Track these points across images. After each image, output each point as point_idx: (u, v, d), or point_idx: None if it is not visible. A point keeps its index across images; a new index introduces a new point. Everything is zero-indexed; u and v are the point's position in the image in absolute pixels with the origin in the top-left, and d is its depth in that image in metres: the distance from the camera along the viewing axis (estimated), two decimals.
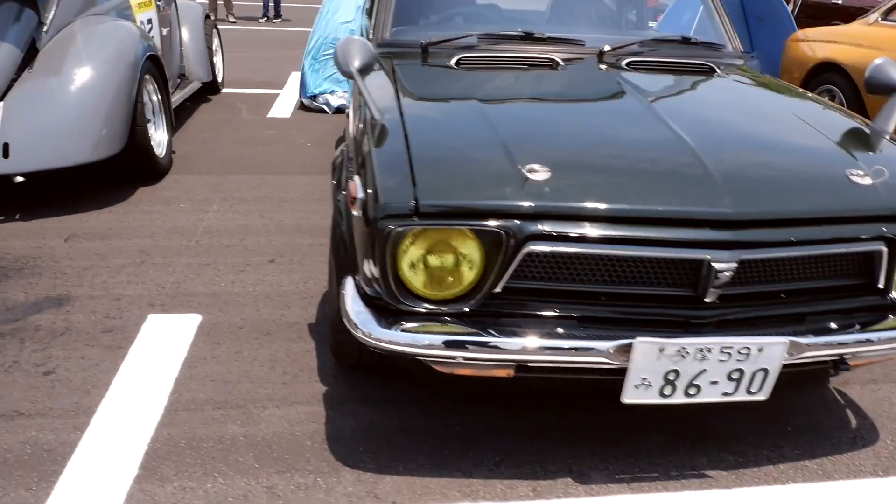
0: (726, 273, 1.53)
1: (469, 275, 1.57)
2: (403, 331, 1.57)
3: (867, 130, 1.97)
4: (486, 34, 2.46)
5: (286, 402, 2.06)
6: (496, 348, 1.56)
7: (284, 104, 5.88)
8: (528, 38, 2.47)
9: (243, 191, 3.79)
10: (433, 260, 1.56)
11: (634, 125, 1.86)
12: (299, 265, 2.95)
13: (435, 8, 2.89)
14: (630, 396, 1.61)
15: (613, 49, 2.45)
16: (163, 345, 2.32)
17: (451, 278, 1.57)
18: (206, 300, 2.62)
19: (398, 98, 1.95)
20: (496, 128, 1.77)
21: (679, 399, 1.62)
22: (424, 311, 1.59)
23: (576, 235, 1.51)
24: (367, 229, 1.53)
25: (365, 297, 1.65)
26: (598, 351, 1.56)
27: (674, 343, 1.54)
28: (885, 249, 1.63)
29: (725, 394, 1.63)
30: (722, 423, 2.03)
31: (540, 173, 1.54)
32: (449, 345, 1.55)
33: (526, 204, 1.50)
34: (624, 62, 2.40)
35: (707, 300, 1.59)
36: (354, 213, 1.61)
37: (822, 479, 1.84)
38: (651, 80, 2.26)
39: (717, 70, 2.45)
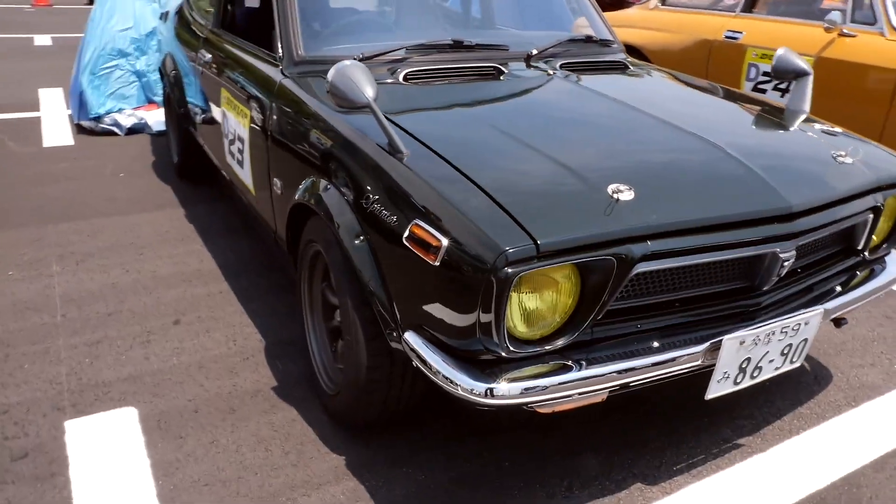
0: (789, 261, 1.63)
1: (565, 309, 1.47)
2: (515, 380, 1.42)
3: (799, 112, 2.22)
4: (417, 45, 2.30)
5: (313, 487, 1.77)
6: (606, 376, 1.49)
7: (57, 129, 4.97)
8: (457, 46, 2.36)
9: (79, 242, 3.13)
10: (535, 300, 1.44)
11: (654, 132, 1.88)
12: (212, 321, 2.53)
13: (335, 18, 2.63)
14: (713, 391, 1.65)
15: (540, 52, 2.44)
16: (110, 457, 1.84)
17: (551, 316, 1.46)
18: (128, 387, 2.13)
19: (402, 128, 1.74)
20: (540, 150, 1.67)
21: (747, 383, 1.70)
22: (524, 354, 1.46)
23: (679, 249, 1.49)
24: (472, 277, 1.34)
25: (446, 350, 1.47)
26: (692, 356, 1.57)
27: (751, 333, 1.61)
28: (871, 217, 1.86)
29: (777, 368, 1.75)
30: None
31: (626, 193, 1.48)
32: (566, 384, 1.44)
33: (634, 226, 1.44)
34: (557, 64, 2.41)
35: (765, 288, 1.68)
36: (434, 263, 1.41)
37: (818, 423, 2.08)
38: (603, 83, 2.31)
39: (630, 66, 2.58)
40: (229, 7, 3.14)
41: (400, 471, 1.83)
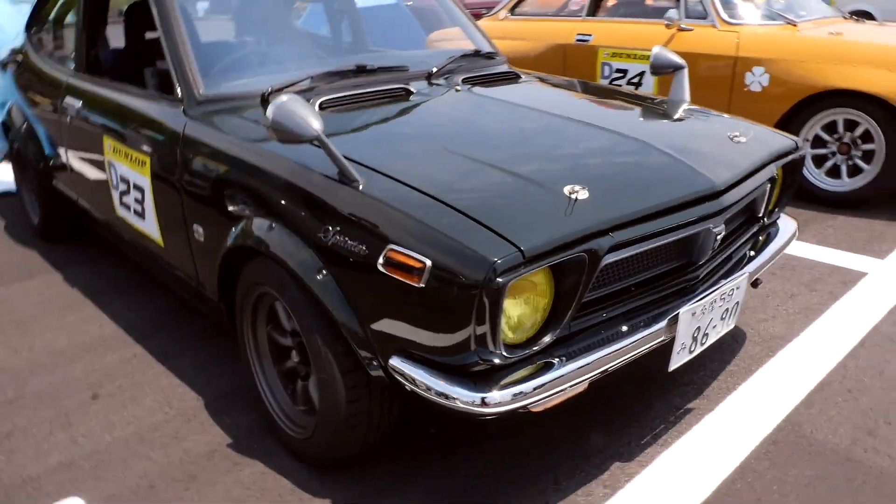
0: (720, 234, 1.79)
1: (544, 308, 1.53)
2: (511, 385, 1.46)
3: (682, 102, 2.44)
4: (322, 74, 2.27)
5: None
6: (591, 364, 1.56)
7: None
8: (361, 71, 2.36)
9: None
10: (518, 305, 1.48)
11: (580, 133, 1.99)
12: (136, 388, 2.33)
13: (222, 54, 2.52)
14: (674, 363, 1.78)
15: (439, 70, 2.50)
16: None
17: (532, 317, 1.51)
18: (61, 476, 1.92)
19: (351, 158, 1.71)
20: (486, 162, 1.72)
21: (699, 350, 1.85)
22: (517, 358, 1.50)
23: (637, 237, 1.59)
24: (464, 293, 1.36)
25: (435, 367, 1.48)
26: (656, 332, 1.68)
27: (699, 305, 1.76)
28: (769, 186, 2.09)
29: (718, 333, 1.92)
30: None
31: (581, 193, 1.56)
32: (559, 380, 1.50)
33: (600, 221, 1.52)
34: (458, 79, 2.48)
35: (701, 262, 1.83)
36: (419, 285, 1.40)
37: (747, 377, 2.29)
38: (509, 93, 2.40)
39: (521, 75, 2.70)
40: (92, 50, 2.92)
41: (391, 500, 1.80)
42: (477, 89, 2.41)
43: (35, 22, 3.62)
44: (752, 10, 4.07)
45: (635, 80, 4.38)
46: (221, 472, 1.92)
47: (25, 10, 4.27)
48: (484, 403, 1.43)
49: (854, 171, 3.70)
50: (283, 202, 1.73)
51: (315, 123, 1.57)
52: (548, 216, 1.51)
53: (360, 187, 1.59)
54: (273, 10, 2.82)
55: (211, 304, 2.20)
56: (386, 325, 1.54)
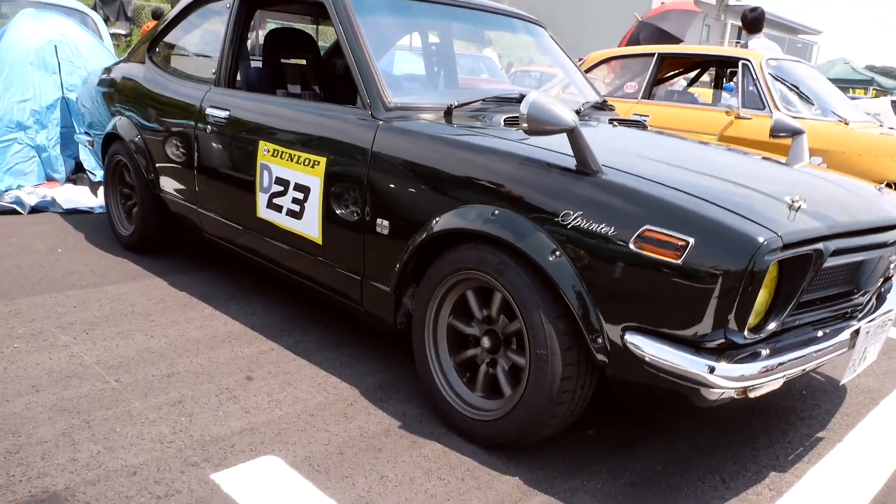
0: (893, 264, 2.02)
1: (767, 301, 1.71)
2: (744, 362, 1.63)
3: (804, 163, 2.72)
4: (492, 98, 2.52)
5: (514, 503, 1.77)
6: (801, 359, 1.73)
7: None
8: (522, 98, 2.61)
9: (69, 313, 2.80)
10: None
11: (759, 164, 2.28)
12: (286, 375, 2.40)
13: (395, 75, 2.76)
14: (847, 376, 1.97)
15: (583, 109, 2.77)
16: (291, 501, 1.70)
17: (761, 307, 1.69)
18: (249, 438, 1.97)
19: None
20: (701, 171, 1.95)
21: (858, 371, 2.03)
22: (752, 341, 1.66)
23: (847, 248, 1.80)
24: (728, 270, 1.54)
25: (675, 342, 1.64)
26: (842, 343, 1.87)
27: (871, 325, 1.97)
28: None
29: (867, 362, 2.10)
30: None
31: (802, 203, 1.77)
32: (781, 367, 1.67)
33: (825, 226, 1.73)
34: (605, 118, 2.75)
35: (866, 289, 2.04)
36: (677, 261, 1.58)
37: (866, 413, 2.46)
38: (663, 133, 2.68)
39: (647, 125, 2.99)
40: (235, 66, 3.13)
41: (577, 483, 1.89)
42: (629, 128, 2.67)
43: (157, 42, 3.83)
44: (807, 105, 4.50)
45: None
46: (404, 447, 2.00)
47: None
48: (740, 378, 1.60)
49: None
50: (510, 191, 1.91)
51: (570, 115, 1.78)
52: (781, 217, 1.71)
53: (604, 177, 1.78)
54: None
55: (372, 299, 2.32)
56: (624, 302, 1.69)
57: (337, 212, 2.42)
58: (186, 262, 3.56)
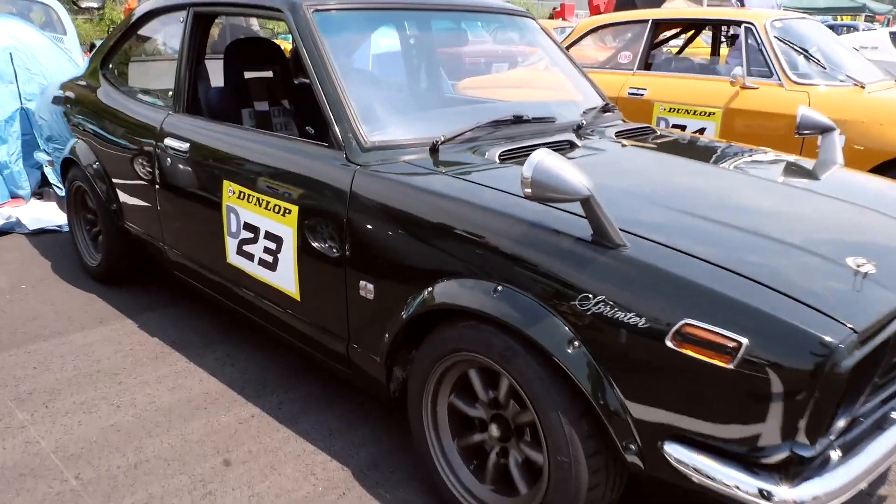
0: None
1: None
2: (829, 470, 1.36)
3: (832, 163, 2.34)
4: (485, 124, 2.18)
5: None
6: (880, 460, 1.45)
7: None
8: (517, 121, 2.28)
9: (29, 377, 2.52)
10: None
11: (796, 196, 1.94)
12: (269, 454, 2.13)
13: (378, 102, 2.38)
14: None
15: (587, 124, 2.43)
16: None
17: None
18: None
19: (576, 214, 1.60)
20: (735, 226, 1.62)
21: None
22: (821, 450, 1.37)
23: None
24: (794, 377, 1.25)
25: (723, 456, 1.36)
26: None
27: None
28: None
29: None
30: None
31: (867, 266, 1.46)
32: (856, 479, 1.38)
33: None
34: (611, 132, 2.42)
35: None
36: (728, 366, 1.28)
37: None
38: (675, 149, 2.37)
39: (655, 131, 2.64)
40: (193, 88, 2.76)
41: None
42: (639, 144, 2.34)
43: (111, 57, 3.44)
44: (819, 70, 4.12)
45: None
46: None
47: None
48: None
49: None
50: (516, 264, 1.59)
51: (585, 182, 1.46)
52: (847, 292, 1.41)
53: (627, 252, 1.47)
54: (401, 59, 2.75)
55: (361, 365, 2.04)
56: (662, 407, 1.40)
57: (314, 267, 2.11)
58: (157, 296, 3.26)
